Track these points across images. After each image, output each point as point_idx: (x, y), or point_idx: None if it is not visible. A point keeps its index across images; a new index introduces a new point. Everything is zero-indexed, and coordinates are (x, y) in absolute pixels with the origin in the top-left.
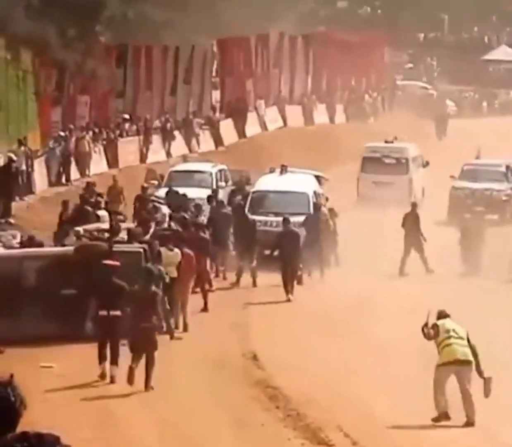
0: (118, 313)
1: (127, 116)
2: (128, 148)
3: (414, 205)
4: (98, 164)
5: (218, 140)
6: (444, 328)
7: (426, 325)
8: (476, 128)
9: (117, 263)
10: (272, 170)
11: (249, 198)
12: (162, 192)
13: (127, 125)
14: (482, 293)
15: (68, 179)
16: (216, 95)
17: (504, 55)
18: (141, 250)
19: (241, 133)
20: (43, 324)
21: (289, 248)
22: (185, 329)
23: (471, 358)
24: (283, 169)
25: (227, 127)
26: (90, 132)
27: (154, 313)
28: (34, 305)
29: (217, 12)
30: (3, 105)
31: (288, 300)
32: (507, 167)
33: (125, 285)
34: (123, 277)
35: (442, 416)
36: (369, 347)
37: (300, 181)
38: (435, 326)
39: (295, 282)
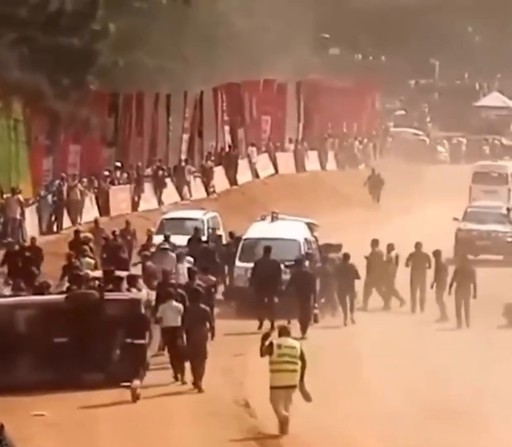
0: (142, 341)
1: (119, 164)
2: (119, 196)
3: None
4: (89, 213)
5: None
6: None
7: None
8: (468, 174)
9: (141, 297)
10: (263, 218)
11: (240, 245)
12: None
13: (118, 173)
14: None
15: (59, 228)
16: (207, 142)
17: (496, 101)
18: (132, 298)
19: (233, 180)
20: (35, 372)
21: (303, 289)
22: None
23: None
24: (274, 216)
25: (218, 175)
26: (82, 181)
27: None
28: (26, 353)
29: (209, 59)
30: None
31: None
32: (508, 209)
33: (148, 316)
34: (114, 323)
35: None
36: (366, 393)
37: (291, 229)
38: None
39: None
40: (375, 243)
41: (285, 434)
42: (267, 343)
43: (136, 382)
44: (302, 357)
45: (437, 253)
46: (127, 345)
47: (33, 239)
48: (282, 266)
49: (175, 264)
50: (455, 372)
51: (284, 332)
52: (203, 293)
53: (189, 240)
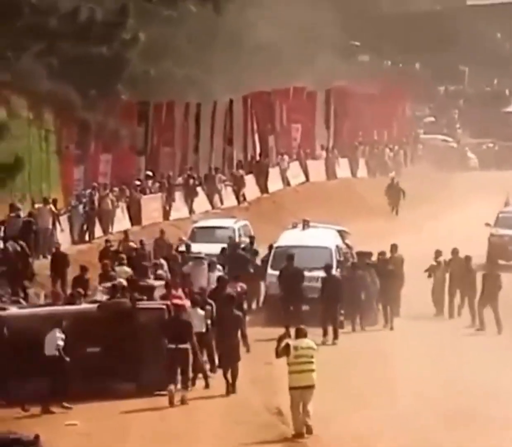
0: (186, 346)
1: (150, 173)
2: (151, 206)
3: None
4: (121, 222)
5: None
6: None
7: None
8: (500, 180)
9: (184, 303)
10: (294, 226)
11: (272, 253)
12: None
13: (149, 182)
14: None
15: (91, 237)
16: (237, 151)
17: None
18: (164, 307)
19: (263, 188)
20: (69, 382)
21: (330, 294)
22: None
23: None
24: (306, 224)
25: (249, 183)
26: (113, 190)
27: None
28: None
29: (238, 68)
30: (26, 164)
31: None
32: None
33: (190, 322)
34: (146, 333)
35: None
36: (400, 401)
37: (322, 236)
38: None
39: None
40: (438, 253)
41: (301, 436)
42: (283, 344)
43: (171, 387)
44: None
45: (467, 259)
46: (170, 350)
47: (57, 246)
48: (309, 273)
49: (207, 273)
50: (483, 379)
51: (300, 333)
52: (236, 298)
53: (223, 249)
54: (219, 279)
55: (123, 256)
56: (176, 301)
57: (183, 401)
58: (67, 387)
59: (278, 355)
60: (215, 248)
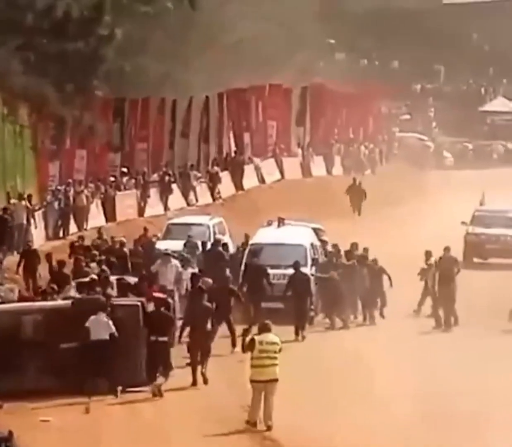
0: (165, 338)
1: (125, 169)
2: (126, 202)
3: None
4: (96, 218)
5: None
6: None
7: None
8: (476, 178)
9: (164, 296)
10: (269, 223)
11: (247, 251)
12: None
13: (125, 179)
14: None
15: (66, 234)
16: (213, 147)
17: (502, 106)
18: (139, 303)
19: (239, 186)
20: (42, 378)
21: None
22: (205, 381)
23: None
24: (281, 222)
25: (224, 180)
26: (88, 186)
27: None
28: (33, 359)
29: (215, 65)
30: (0, 159)
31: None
32: None
33: (171, 315)
34: (121, 329)
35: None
36: (370, 402)
37: (297, 234)
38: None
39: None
40: (428, 255)
41: (253, 426)
42: (248, 339)
43: (161, 380)
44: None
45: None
46: (151, 343)
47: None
48: (282, 271)
49: (175, 270)
50: (456, 377)
51: (265, 328)
52: (205, 291)
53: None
54: (192, 276)
55: (96, 252)
56: (157, 294)
57: (160, 393)
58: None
59: (244, 350)
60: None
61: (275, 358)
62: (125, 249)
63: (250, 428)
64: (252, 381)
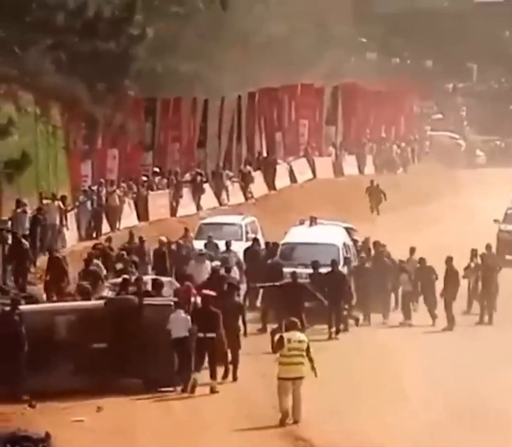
0: (213, 335)
1: (157, 169)
2: (158, 202)
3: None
4: (128, 218)
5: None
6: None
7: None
8: (508, 177)
9: (213, 293)
10: (301, 222)
11: (279, 250)
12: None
13: (157, 178)
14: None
15: (98, 234)
16: (245, 147)
17: None
18: (171, 303)
19: (271, 185)
20: (74, 378)
21: (334, 291)
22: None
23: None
24: (313, 221)
25: (256, 180)
26: (121, 186)
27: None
28: (65, 359)
29: (246, 64)
30: (33, 159)
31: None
32: None
33: (219, 312)
34: (153, 328)
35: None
36: (398, 400)
37: (329, 233)
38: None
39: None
40: (474, 253)
41: (283, 426)
42: (277, 338)
43: (195, 376)
44: (308, 351)
45: (448, 260)
46: (199, 339)
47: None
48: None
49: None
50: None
51: (292, 326)
52: (236, 286)
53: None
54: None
55: (123, 252)
56: (206, 291)
57: (212, 390)
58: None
59: (274, 349)
60: (222, 244)
61: (302, 355)
62: (164, 249)
63: (280, 424)
64: (279, 379)
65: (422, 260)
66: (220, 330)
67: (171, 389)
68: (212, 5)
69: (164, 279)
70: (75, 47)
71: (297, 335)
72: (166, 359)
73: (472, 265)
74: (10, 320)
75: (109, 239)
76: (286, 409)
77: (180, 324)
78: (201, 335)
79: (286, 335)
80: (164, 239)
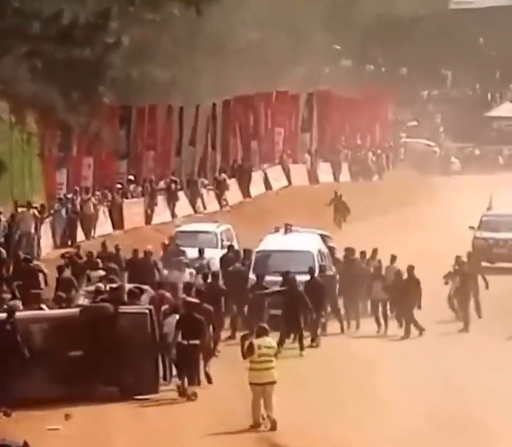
0: (196, 342)
1: (131, 177)
2: (133, 210)
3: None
4: (103, 226)
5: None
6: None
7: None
8: (482, 183)
9: (197, 301)
10: (276, 230)
11: (253, 258)
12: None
13: (132, 186)
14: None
15: (73, 241)
16: (220, 155)
17: (508, 111)
18: (147, 311)
19: (246, 193)
20: (50, 386)
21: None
22: (209, 380)
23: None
24: (288, 228)
25: (231, 187)
26: (96, 194)
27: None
28: (41, 367)
29: (221, 72)
30: (8, 167)
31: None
32: None
33: (203, 319)
34: (129, 337)
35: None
36: (377, 408)
37: (304, 240)
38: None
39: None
40: (458, 259)
41: (258, 426)
42: (247, 344)
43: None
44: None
45: (409, 268)
46: (182, 345)
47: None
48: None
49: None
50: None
51: (262, 332)
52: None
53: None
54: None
55: (98, 260)
56: (190, 299)
57: (194, 396)
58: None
59: (244, 356)
60: (195, 252)
61: (272, 361)
62: (153, 259)
63: (255, 430)
64: (251, 384)
65: (396, 270)
66: (205, 337)
67: (146, 397)
68: (188, 12)
69: (145, 287)
70: (50, 54)
71: (267, 340)
72: (142, 367)
73: (451, 271)
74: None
75: (77, 247)
76: (258, 414)
77: (172, 329)
78: (184, 342)
79: (256, 341)
80: (150, 247)
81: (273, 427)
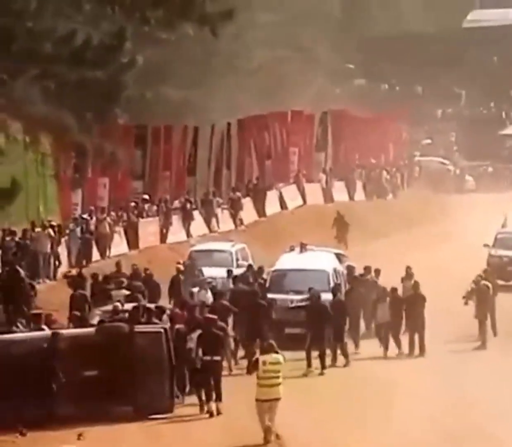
0: (218, 357)
1: (146, 196)
2: (148, 229)
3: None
4: (118, 246)
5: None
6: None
7: None
8: (497, 202)
9: (215, 317)
10: (292, 249)
11: (269, 277)
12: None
13: (146, 206)
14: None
15: (88, 261)
16: (235, 174)
17: None
18: (162, 330)
19: (261, 212)
20: (65, 406)
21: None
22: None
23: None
24: (303, 247)
25: (246, 207)
26: (111, 214)
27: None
28: (56, 387)
29: (235, 92)
30: (23, 187)
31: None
32: None
33: (222, 335)
34: (144, 356)
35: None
36: (393, 425)
37: (320, 259)
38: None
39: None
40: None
41: (268, 443)
42: (253, 360)
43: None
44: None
45: (393, 290)
46: (205, 361)
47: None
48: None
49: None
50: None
51: (269, 348)
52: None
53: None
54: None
55: (123, 279)
56: (209, 315)
57: (218, 411)
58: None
59: (249, 371)
60: (214, 271)
61: (278, 377)
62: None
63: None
64: (257, 400)
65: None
66: (224, 352)
67: (162, 416)
68: (202, 32)
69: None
70: (63, 75)
71: (274, 356)
72: (157, 386)
73: (469, 289)
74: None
75: (81, 267)
76: (267, 426)
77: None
78: (207, 357)
79: (261, 358)
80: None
81: (278, 438)
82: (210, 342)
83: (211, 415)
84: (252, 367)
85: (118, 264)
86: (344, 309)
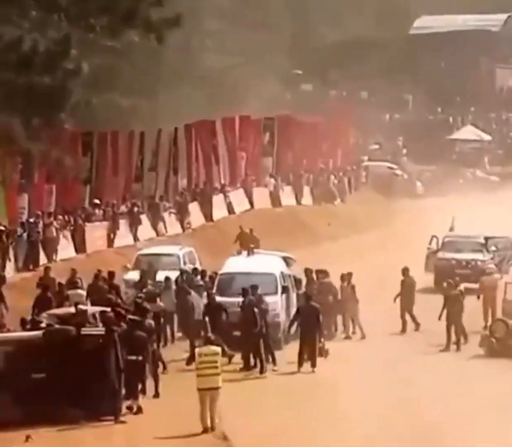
0: (140, 357)
1: (97, 201)
2: (95, 233)
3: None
4: (65, 250)
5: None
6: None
7: None
8: (444, 205)
9: (139, 318)
10: (239, 252)
11: (217, 280)
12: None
13: (95, 210)
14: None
15: (35, 265)
16: (182, 179)
17: (470, 134)
18: (109, 333)
19: (208, 216)
20: (12, 408)
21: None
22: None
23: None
24: (250, 251)
25: (193, 211)
26: (58, 218)
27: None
28: (4, 390)
29: (183, 98)
30: None
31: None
32: (486, 238)
33: (145, 335)
34: (93, 358)
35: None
36: (343, 425)
37: (267, 263)
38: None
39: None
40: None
41: (207, 432)
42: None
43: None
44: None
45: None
46: (129, 362)
47: None
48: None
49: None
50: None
51: (206, 341)
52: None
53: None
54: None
55: (78, 280)
56: (131, 316)
57: (139, 410)
58: None
59: (187, 362)
60: (161, 275)
61: (216, 367)
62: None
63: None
64: (197, 389)
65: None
66: (146, 352)
67: (111, 417)
68: (148, 39)
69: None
70: (9, 82)
71: (212, 348)
72: (105, 388)
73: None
74: None
75: (47, 269)
76: (206, 425)
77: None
78: (132, 358)
79: (198, 350)
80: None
81: (213, 429)
82: (131, 342)
83: (136, 413)
84: (190, 358)
85: (73, 270)
86: (317, 313)
